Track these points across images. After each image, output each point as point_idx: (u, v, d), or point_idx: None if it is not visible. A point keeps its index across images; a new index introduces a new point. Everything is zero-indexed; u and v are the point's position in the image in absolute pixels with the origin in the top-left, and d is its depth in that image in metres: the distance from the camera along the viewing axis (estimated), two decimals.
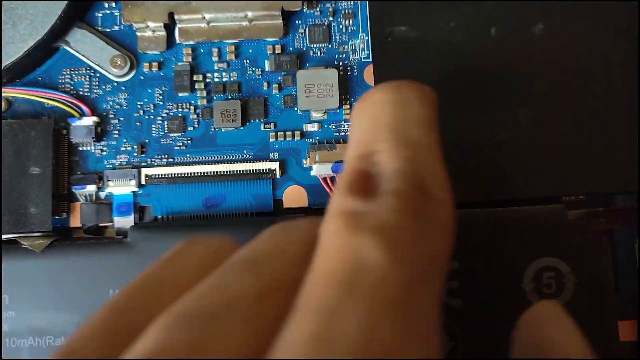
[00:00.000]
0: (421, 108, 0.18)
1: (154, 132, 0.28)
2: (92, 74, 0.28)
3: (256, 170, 0.27)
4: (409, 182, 0.16)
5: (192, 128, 0.28)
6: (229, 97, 0.28)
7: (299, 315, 0.13)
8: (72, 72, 0.28)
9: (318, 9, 0.28)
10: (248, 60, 0.28)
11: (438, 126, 0.18)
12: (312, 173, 0.27)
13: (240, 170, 0.27)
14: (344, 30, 0.28)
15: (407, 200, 0.15)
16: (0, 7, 0.27)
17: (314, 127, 0.28)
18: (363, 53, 0.28)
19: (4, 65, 0.27)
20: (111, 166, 0.28)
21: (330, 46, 0.28)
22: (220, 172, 0.27)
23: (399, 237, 0.14)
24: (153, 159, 0.28)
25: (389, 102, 0.18)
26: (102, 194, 0.27)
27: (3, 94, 0.28)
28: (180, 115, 0.28)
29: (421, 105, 0.18)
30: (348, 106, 0.28)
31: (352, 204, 0.15)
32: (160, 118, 0.28)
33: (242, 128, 0.28)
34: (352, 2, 0.28)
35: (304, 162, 0.27)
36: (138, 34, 0.28)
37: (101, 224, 0.27)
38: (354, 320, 0.13)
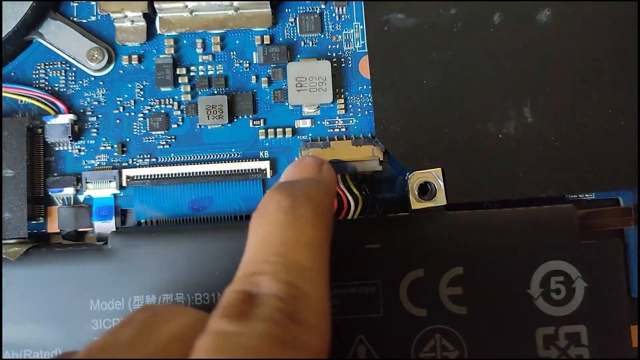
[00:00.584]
0: (313, 231, 0.19)
1: (135, 130, 0.26)
2: (68, 69, 0.26)
3: (245, 170, 0.25)
4: (282, 308, 0.17)
5: (176, 125, 0.26)
6: (215, 92, 0.26)
7: None
8: (47, 67, 0.26)
9: None
10: (235, 52, 0.27)
11: (329, 246, 0.19)
12: None
13: (228, 171, 0.25)
14: (337, 19, 0.27)
15: (277, 327, 0.16)
16: (1, 6, 0.25)
17: (307, 124, 0.26)
18: (358, 43, 0.26)
19: None
20: (90, 167, 0.26)
21: (322, 36, 0.27)
22: (206, 172, 0.25)
23: None
24: (135, 159, 0.26)
25: (280, 223, 0.19)
26: (81, 197, 0.26)
27: None
28: (163, 111, 0.26)
29: (314, 227, 0.19)
30: (342, 100, 0.26)
31: (224, 326, 0.16)
32: (141, 115, 0.26)
33: (229, 125, 0.26)
34: None
35: None
36: (116, 24, 0.26)
37: (80, 229, 0.26)
38: None
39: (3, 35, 0.25)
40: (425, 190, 0.24)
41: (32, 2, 0.25)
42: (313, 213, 0.19)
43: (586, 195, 0.25)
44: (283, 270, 0.18)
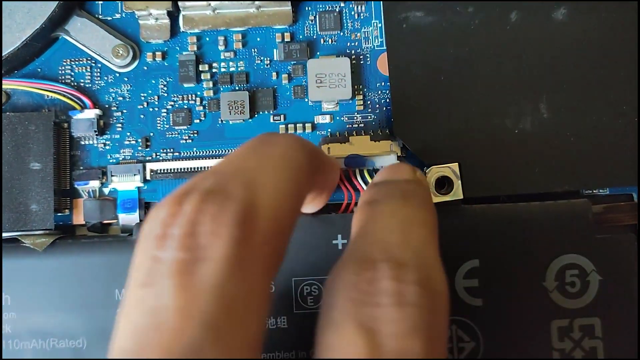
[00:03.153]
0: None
1: (158, 125, 0.27)
2: (94, 65, 0.27)
3: None
4: None
5: (198, 120, 0.27)
6: (237, 88, 0.27)
7: None
8: (73, 63, 0.27)
9: None
10: (256, 49, 0.27)
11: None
12: None
13: None
14: (356, 17, 0.27)
15: None
16: (0, 6, 0.26)
17: (326, 119, 0.26)
18: (376, 41, 0.27)
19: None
20: (115, 161, 0.27)
21: (341, 34, 0.27)
22: None
23: None
24: (158, 153, 0.27)
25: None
26: (106, 190, 0.26)
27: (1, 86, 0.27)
28: (185, 107, 0.27)
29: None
30: (361, 97, 0.27)
31: None
32: (165, 110, 0.27)
33: (250, 120, 0.27)
34: None
35: None
36: (140, 22, 0.27)
37: (105, 221, 0.26)
38: None
39: (31, 33, 0.26)
40: (443, 184, 0.25)
41: (58, 0, 0.26)
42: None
43: (600, 190, 0.26)
44: None
